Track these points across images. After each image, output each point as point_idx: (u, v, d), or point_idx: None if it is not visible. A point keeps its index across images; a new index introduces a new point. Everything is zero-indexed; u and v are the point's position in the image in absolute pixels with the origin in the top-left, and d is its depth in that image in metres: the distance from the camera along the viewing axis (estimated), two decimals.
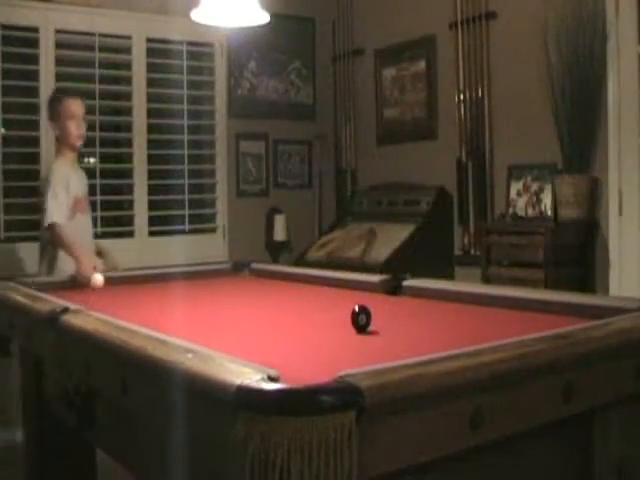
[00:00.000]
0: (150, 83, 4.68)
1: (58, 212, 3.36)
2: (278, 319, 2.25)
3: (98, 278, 2.92)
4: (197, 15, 2.83)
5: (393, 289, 2.59)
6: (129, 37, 4.60)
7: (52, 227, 3.34)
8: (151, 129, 4.69)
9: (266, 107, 5.21)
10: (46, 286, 2.79)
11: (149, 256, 4.45)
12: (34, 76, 4.29)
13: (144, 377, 1.55)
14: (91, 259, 3.28)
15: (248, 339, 1.90)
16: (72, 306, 2.12)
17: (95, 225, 4.44)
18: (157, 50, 4.72)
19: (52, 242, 3.41)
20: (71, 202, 3.45)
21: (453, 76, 4.42)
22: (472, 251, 4.30)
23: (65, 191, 3.42)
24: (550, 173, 3.81)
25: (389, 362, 1.31)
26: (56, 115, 3.54)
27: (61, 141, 3.57)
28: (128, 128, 4.66)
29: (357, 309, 1.84)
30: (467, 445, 1.31)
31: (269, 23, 3.03)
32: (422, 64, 4.72)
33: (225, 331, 2.07)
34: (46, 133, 4.28)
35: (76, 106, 3.55)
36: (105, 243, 3.88)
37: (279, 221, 5.13)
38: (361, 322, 1.82)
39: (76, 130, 3.53)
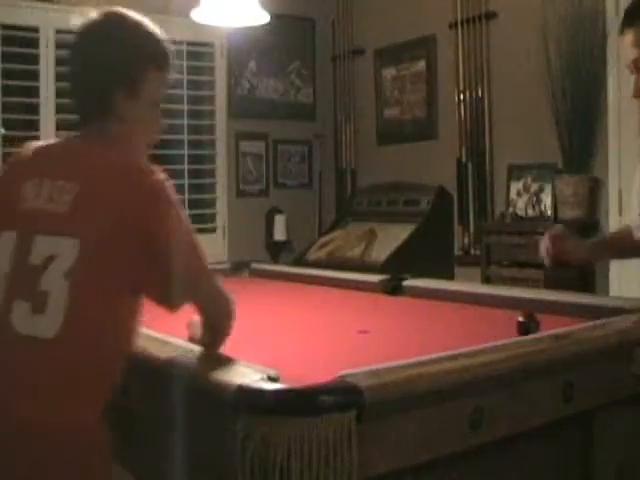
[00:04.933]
0: None
1: None
2: (278, 319, 2.25)
3: None
4: (197, 15, 2.83)
5: (393, 289, 2.58)
6: None
7: None
8: None
9: (266, 107, 5.20)
10: None
11: None
12: (34, 76, 4.29)
13: (144, 377, 1.55)
14: None
15: (248, 339, 1.90)
16: None
17: None
18: None
19: None
20: None
21: (453, 76, 4.42)
22: (472, 251, 4.30)
23: None
24: (550, 173, 3.81)
25: (389, 362, 1.31)
26: None
27: None
28: None
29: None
30: (467, 445, 1.31)
31: (269, 23, 3.03)
32: (422, 64, 4.71)
33: None
34: (46, 133, 4.28)
35: None
36: None
37: (279, 221, 5.13)
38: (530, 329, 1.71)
39: None
